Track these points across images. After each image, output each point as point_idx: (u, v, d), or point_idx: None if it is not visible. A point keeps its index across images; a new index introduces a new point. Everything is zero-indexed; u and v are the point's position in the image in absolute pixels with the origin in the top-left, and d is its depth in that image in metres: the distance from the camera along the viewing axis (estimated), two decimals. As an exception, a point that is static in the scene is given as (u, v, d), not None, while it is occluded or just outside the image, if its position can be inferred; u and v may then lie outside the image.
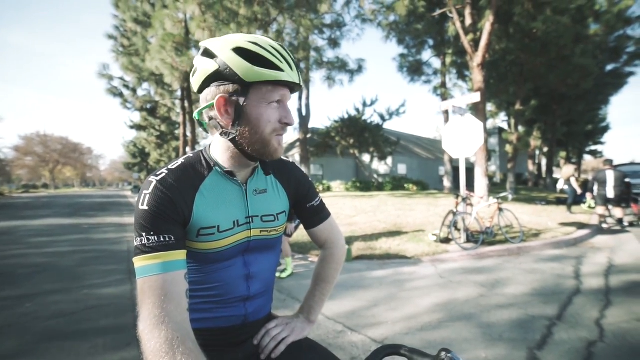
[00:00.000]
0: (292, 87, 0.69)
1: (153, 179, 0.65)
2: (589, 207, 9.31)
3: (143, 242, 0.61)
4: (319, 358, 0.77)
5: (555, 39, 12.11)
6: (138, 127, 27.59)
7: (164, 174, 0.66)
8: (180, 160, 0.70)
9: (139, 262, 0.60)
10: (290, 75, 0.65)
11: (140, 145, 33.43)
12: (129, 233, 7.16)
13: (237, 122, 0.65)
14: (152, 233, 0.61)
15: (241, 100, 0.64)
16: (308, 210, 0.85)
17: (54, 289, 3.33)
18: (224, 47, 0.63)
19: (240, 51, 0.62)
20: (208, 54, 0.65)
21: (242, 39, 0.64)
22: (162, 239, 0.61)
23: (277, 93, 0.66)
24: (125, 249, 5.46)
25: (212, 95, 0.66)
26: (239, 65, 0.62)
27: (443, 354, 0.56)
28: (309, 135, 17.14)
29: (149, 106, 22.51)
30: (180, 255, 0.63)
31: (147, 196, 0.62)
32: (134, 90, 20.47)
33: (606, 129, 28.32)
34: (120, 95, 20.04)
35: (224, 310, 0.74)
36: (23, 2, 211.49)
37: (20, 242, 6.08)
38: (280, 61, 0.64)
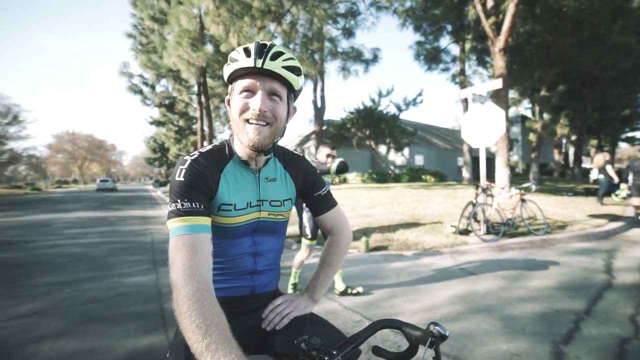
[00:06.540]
0: (262, 74, 0.72)
1: (188, 158, 0.76)
2: (623, 198, 8.74)
3: (178, 207, 0.70)
4: (322, 330, 0.81)
5: (589, 17, 11.16)
6: (157, 123, 28.52)
7: (196, 155, 0.78)
8: (210, 147, 0.82)
9: (173, 223, 0.70)
10: (242, 62, 0.71)
11: (160, 140, 34.59)
12: (152, 225, 7.50)
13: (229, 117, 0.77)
14: (186, 200, 0.71)
15: (229, 97, 0.77)
16: (315, 198, 0.94)
17: (88, 277, 3.57)
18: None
19: (228, 59, 0.74)
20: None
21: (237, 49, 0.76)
22: (193, 205, 0.71)
23: (245, 83, 0.73)
24: (149, 240, 5.72)
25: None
26: (224, 70, 0.76)
27: (431, 326, 0.61)
28: (324, 127, 17.07)
29: (167, 102, 23.15)
30: (208, 221, 0.73)
31: (183, 170, 0.73)
32: (153, 87, 21.10)
33: (647, 113, 26.06)
34: (140, 92, 20.72)
35: (233, 281, 0.84)
36: (53, 6, 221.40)
37: (57, 233, 6.54)
38: (238, 53, 0.73)
